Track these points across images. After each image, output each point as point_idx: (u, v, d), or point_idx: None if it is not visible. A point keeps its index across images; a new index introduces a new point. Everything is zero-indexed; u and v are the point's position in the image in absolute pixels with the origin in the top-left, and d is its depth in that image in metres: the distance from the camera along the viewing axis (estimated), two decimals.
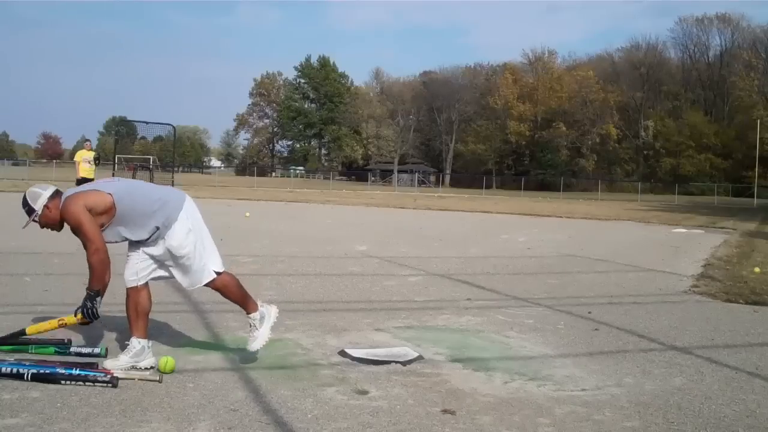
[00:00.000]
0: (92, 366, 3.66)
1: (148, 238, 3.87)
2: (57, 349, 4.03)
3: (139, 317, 3.90)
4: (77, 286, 6.47)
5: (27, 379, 3.48)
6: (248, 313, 4.00)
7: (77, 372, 3.52)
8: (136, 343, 3.86)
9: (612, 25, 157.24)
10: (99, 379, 3.49)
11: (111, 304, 5.63)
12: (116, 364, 3.77)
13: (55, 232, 4.01)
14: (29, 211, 3.84)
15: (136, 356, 3.83)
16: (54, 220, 3.83)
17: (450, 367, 4.19)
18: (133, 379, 3.60)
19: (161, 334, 4.69)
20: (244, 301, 4.02)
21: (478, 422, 3.24)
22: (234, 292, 4.01)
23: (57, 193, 3.87)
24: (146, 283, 3.94)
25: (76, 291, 6.24)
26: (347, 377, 3.88)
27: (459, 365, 4.23)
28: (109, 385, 3.46)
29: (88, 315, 3.74)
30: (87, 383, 3.47)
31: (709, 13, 79.15)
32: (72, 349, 4.04)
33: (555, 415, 3.37)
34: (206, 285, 3.96)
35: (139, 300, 3.89)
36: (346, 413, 3.28)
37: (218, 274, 3.96)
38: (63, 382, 3.48)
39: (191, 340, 4.60)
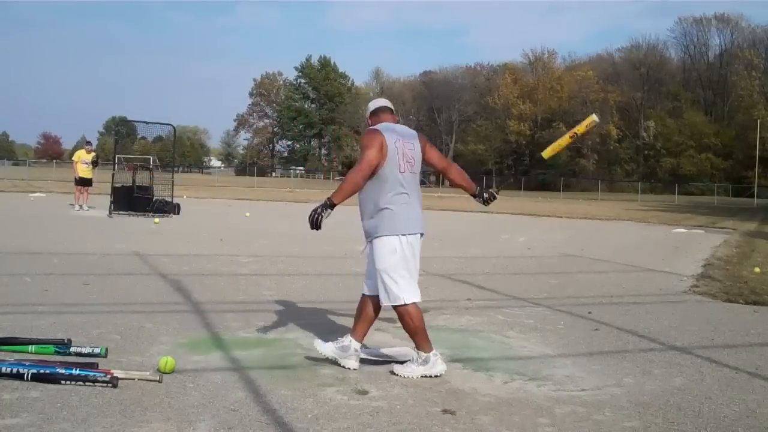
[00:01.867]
0: (92, 366, 3.66)
1: (366, 218, 4.04)
2: (57, 349, 4.03)
3: (363, 322, 4.14)
4: (77, 286, 6.48)
5: (27, 379, 3.48)
6: (417, 349, 4.00)
7: (77, 372, 3.52)
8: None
9: (612, 25, 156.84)
10: (99, 379, 3.49)
11: (111, 304, 5.64)
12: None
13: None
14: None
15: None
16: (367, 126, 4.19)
17: (450, 367, 4.18)
18: (133, 379, 3.60)
19: (161, 333, 4.69)
20: (418, 338, 3.98)
21: (478, 422, 3.24)
22: (413, 325, 3.97)
23: (376, 112, 4.19)
24: (374, 296, 4.07)
25: (76, 291, 6.25)
26: (347, 377, 3.88)
27: (459, 365, 4.23)
28: (109, 385, 3.46)
29: (313, 221, 3.84)
30: (87, 383, 3.47)
31: (708, 14, 79.23)
32: (72, 349, 4.04)
33: (555, 415, 3.37)
34: (394, 308, 4.00)
35: (361, 306, 4.17)
36: (346, 413, 3.28)
37: (404, 305, 3.95)
38: (63, 382, 3.48)
39: (191, 340, 4.59)
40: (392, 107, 4.29)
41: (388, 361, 4.18)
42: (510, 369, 4.17)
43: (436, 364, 3.94)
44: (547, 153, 4.42)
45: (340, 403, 3.43)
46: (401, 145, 3.98)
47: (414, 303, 3.96)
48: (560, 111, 75.94)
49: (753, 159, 53.23)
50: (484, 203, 4.42)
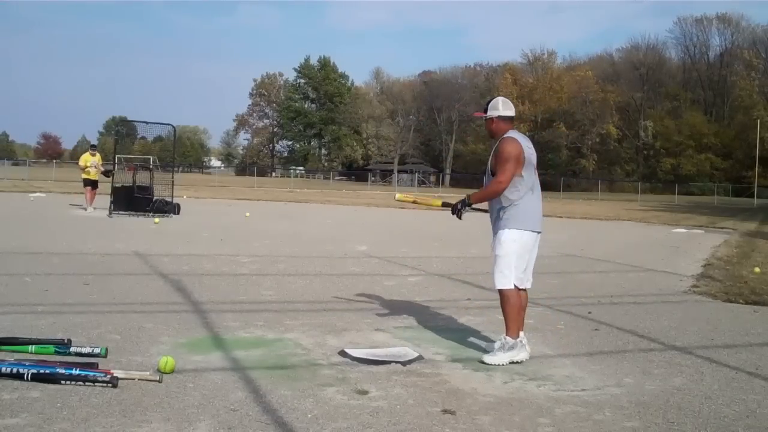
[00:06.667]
0: (92, 366, 3.67)
1: (495, 213, 4.41)
2: (57, 349, 4.03)
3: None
4: (77, 286, 6.48)
5: (27, 379, 3.48)
6: (505, 335, 4.31)
7: (77, 372, 3.52)
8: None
9: (612, 25, 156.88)
10: (99, 379, 3.49)
11: (111, 304, 5.64)
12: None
13: None
14: (484, 110, 4.45)
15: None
16: (491, 132, 4.47)
17: (450, 367, 4.19)
18: (133, 379, 3.60)
19: (161, 333, 4.69)
20: (509, 323, 4.31)
21: (478, 422, 3.24)
22: (508, 310, 4.31)
23: (510, 119, 4.46)
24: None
25: (76, 291, 6.25)
26: (347, 377, 3.88)
27: (459, 365, 4.23)
28: (109, 385, 3.46)
29: (455, 211, 4.49)
30: (87, 383, 3.47)
31: (708, 14, 79.25)
32: (72, 349, 4.04)
33: (555, 415, 3.37)
34: (498, 291, 4.35)
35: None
36: (346, 413, 3.28)
37: (508, 288, 4.30)
38: (63, 382, 3.48)
39: (191, 340, 4.60)
40: None
41: (388, 361, 4.19)
42: (510, 369, 4.17)
43: (520, 354, 4.27)
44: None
45: (340, 403, 3.43)
46: (530, 152, 4.35)
47: (517, 289, 4.29)
48: (560, 111, 75.95)
49: (753, 159, 53.24)
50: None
